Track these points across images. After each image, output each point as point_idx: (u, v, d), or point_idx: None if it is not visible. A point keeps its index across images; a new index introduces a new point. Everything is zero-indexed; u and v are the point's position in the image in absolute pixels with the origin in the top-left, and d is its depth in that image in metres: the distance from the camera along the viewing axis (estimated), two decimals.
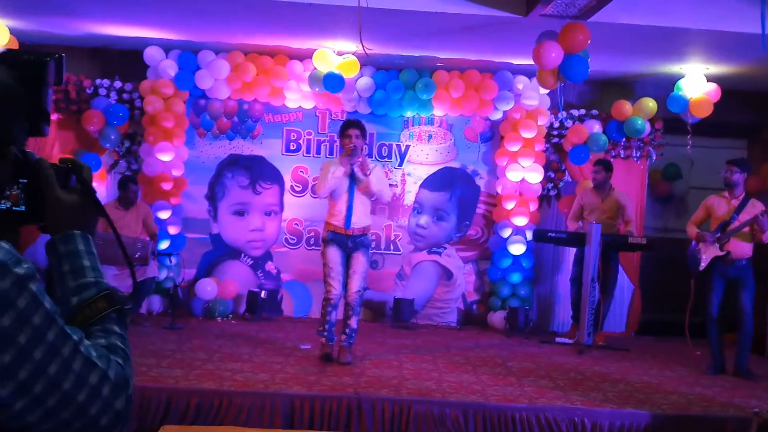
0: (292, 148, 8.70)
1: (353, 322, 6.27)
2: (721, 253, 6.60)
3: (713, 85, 7.79)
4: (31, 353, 1.17)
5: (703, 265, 6.72)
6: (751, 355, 6.80)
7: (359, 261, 6.22)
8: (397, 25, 6.91)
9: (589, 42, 5.85)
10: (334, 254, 6.17)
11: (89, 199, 1.47)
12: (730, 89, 7.95)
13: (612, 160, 8.32)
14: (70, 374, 1.20)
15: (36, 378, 1.17)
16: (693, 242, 6.84)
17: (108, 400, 1.25)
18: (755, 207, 6.59)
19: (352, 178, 6.15)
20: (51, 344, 1.19)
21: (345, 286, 6.25)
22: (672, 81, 8.01)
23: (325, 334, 6.26)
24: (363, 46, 6.13)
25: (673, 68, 7.97)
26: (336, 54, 7.79)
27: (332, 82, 7.79)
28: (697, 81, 7.81)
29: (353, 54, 7.68)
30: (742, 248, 6.60)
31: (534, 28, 6.29)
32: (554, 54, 5.89)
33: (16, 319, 1.15)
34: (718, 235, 6.62)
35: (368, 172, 6.10)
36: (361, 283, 6.24)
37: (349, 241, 6.17)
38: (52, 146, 8.10)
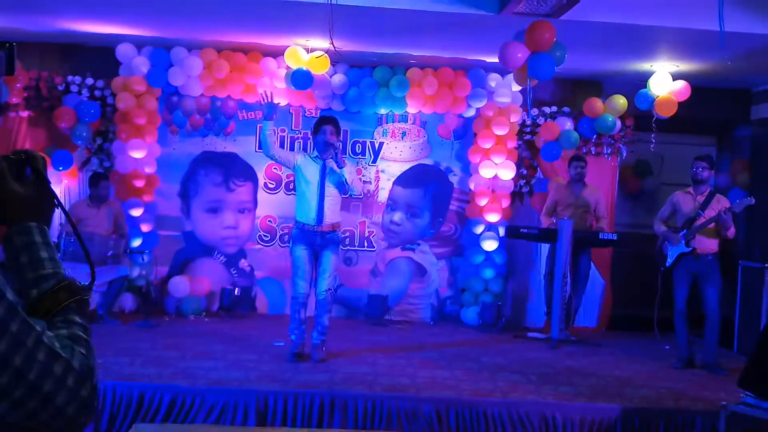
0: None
1: (325, 320, 6.27)
2: (687, 250, 6.69)
3: (681, 83, 7.87)
4: None
5: (669, 261, 6.81)
6: (719, 349, 6.89)
7: (328, 259, 6.20)
8: (369, 23, 6.91)
9: (555, 40, 5.88)
10: (301, 252, 6.17)
11: (44, 191, 1.45)
12: (699, 86, 8.04)
13: None
14: (35, 365, 1.21)
15: (1, 370, 1.17)
16: (660, 238, 6.94)
17: (73, 390, 1.25)
18: (720, 203, 6.68)
19: (323, 174, 6.16)
20: (14, 336, 1.19)
21: (314, 284, 6.25)
22: (642, 78, 8.09)
23: (296, 332, 6.26)
24: (332, 43, 6.14)
25: (644, 66, 8.04)
26: (309, 51, 7.79)
27: (300, 79, 7.78)
28: (664, 79, 7.89)
29: (326, 51, 7.66)
30: (707, 244, 6.68)
31: (507, 26, 6.31)
32: (519, 54, 5.93)
33: None
34: (684, 232, 6.71)
35: (343, 165, 6.10)
36: (330, 281, 6.23)
37: (317, 238, 6.16)
38: (23, 144, 8.02)
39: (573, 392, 5.68)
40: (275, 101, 6.24)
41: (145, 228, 8.21)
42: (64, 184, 8.27)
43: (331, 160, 6.13)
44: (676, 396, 5.78)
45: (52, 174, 7.95)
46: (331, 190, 6.19)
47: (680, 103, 7.91)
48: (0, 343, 1.17)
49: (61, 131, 8.09)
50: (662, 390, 5.94)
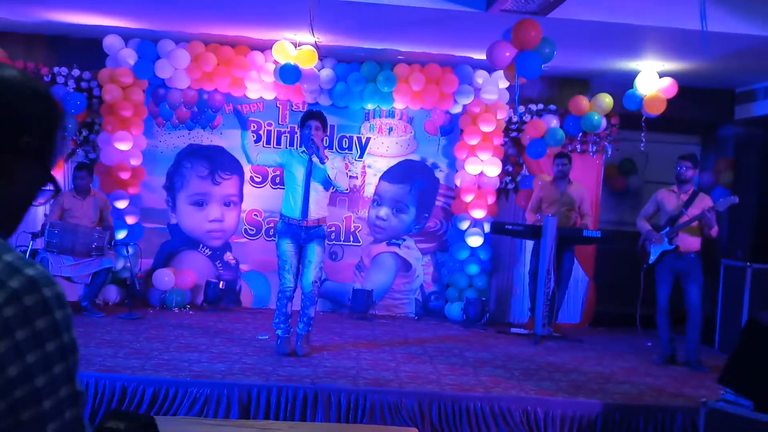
0: (252, 138, 8.68)
1: (311, 312, 6.28)
2: (670, 248, 6.74)
3: (668, 80, 7.91)
4: (31, 379, 1.15)
5: (652, 258, 6.87)
6: (701, 346, 6.95)
7: (313, 251, 6.18)
8: (355, 17, 6.92)
9: (541, 38, 5.91)
10: (287, 246, 6.17)
11: None
12: (684, 86, 8.10)
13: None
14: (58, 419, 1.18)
15: (25, 393, 1.15)
16: (643, 236, 6.99)
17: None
18: (704, 201, 6.73)
19: (309, 169, 6.16)
20: (54, 377, 1.18)
21: (300, 277, 6.26)
22: (628, 77, 8.15)
23: (282, 326, 6.27)
24: (313, 34, 6.16)
25: (630, 65, 8.09)
26: (296, 46, 7.78)
27: (288, 74, 7.78)
28: (651, 78, 7.94)
29: (312, 45, 7.66)
30: (690, 242, 6.73)
31: (494, 24, 6.34)
32: (507, 53, 5.95)
33: (30, 336, 1.16)
34: (667, 230, 6.76)
35: (324, 160, 6.08)
36: (316, 273, 6.22)
37: (302, 232, 6.17)
38: None
39: (555, 387, 5.72)
40: (245, 112, 6.33)
41: (130, 220, 8.19)
42: None
43: (314, 155, 6.12)
44: (656, 392, 5.83)
45: None
46: (316, 186, 6.18)
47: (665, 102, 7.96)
48: (36, 379, 1.15)
49: None
50: (643, 386, 5.99)
